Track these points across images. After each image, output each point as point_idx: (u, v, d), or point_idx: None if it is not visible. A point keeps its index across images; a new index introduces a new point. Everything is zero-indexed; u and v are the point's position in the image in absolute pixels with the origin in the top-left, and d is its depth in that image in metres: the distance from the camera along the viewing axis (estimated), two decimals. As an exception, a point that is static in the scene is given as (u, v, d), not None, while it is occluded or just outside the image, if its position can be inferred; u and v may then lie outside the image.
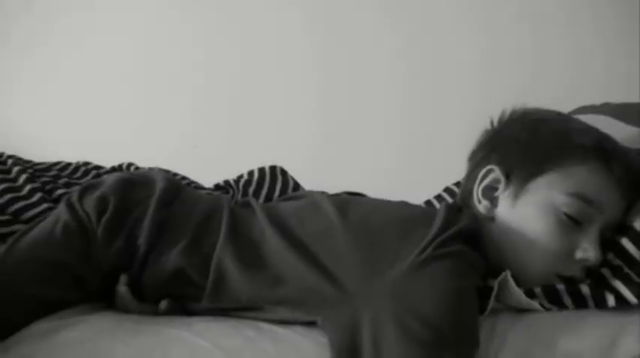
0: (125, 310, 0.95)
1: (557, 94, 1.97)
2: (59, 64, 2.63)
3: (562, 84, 2.11)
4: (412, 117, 2.32)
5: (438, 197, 1.29)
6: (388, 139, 2.33)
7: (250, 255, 0.93)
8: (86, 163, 1.46)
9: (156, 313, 0.94)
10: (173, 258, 0.94)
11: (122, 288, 0.94)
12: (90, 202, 0.97)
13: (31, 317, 0.89)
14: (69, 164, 1.45)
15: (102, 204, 0.96)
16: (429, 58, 2.32)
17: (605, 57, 2.09)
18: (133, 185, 1.01)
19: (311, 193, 1.12)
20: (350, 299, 0.84)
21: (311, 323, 0.87)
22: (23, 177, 1.31)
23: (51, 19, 2.61)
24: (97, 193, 0.98)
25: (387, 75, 2.36)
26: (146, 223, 0.96)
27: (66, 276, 0.93)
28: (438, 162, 1.74)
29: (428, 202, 1.28)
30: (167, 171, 1.25)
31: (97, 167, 1.45)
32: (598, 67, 2.11)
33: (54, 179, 1.36)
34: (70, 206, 0.97)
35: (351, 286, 0.84)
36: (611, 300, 0.84)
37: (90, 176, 1.41)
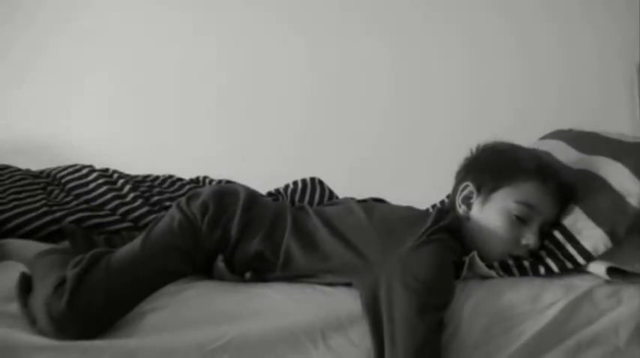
0: (221, 279, 1.23)
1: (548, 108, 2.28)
2: (64, 72, 2.73)
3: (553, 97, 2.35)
4: (401, 125, 2.52)
5: (442, 202, 1.58)
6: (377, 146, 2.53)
7: (307, 241, 1.24)
8: (170, 176, 1.72)
9: (242, 281, 1.23)
10: (254, 244, 1.24)
11: (220, 264, 1.23)
12: (195, 206, 1.25)
13: (164, 283, 1.18)
14: (157, 177, 1.71)
15: (204, 207, 1.25)
16: (417, 70, 2.48)
17: (597, 76, 2.32)
18: (223, 195, 1.30)
19: (346, 199, 1.46)
20: (372, 268, 1.17)
21: (348, 284, 1.20)
22: (127, 187, 1.58)
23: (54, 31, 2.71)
24: (199, 200, 1.27)
25: (375, 89, 2.52)
26: (235, 221, 1.25)
27: (186, 256, 1.22)
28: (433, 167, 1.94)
29: (434, 206, 1.58)
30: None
31: (180, 179, 1.72)
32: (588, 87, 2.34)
33: (149, 188, 1.62)
34: (181, 209, 1.25)
35: (374, 260, 1.19)
36: (542, 270, 1.20)
37: (176, 186, 1.66)
